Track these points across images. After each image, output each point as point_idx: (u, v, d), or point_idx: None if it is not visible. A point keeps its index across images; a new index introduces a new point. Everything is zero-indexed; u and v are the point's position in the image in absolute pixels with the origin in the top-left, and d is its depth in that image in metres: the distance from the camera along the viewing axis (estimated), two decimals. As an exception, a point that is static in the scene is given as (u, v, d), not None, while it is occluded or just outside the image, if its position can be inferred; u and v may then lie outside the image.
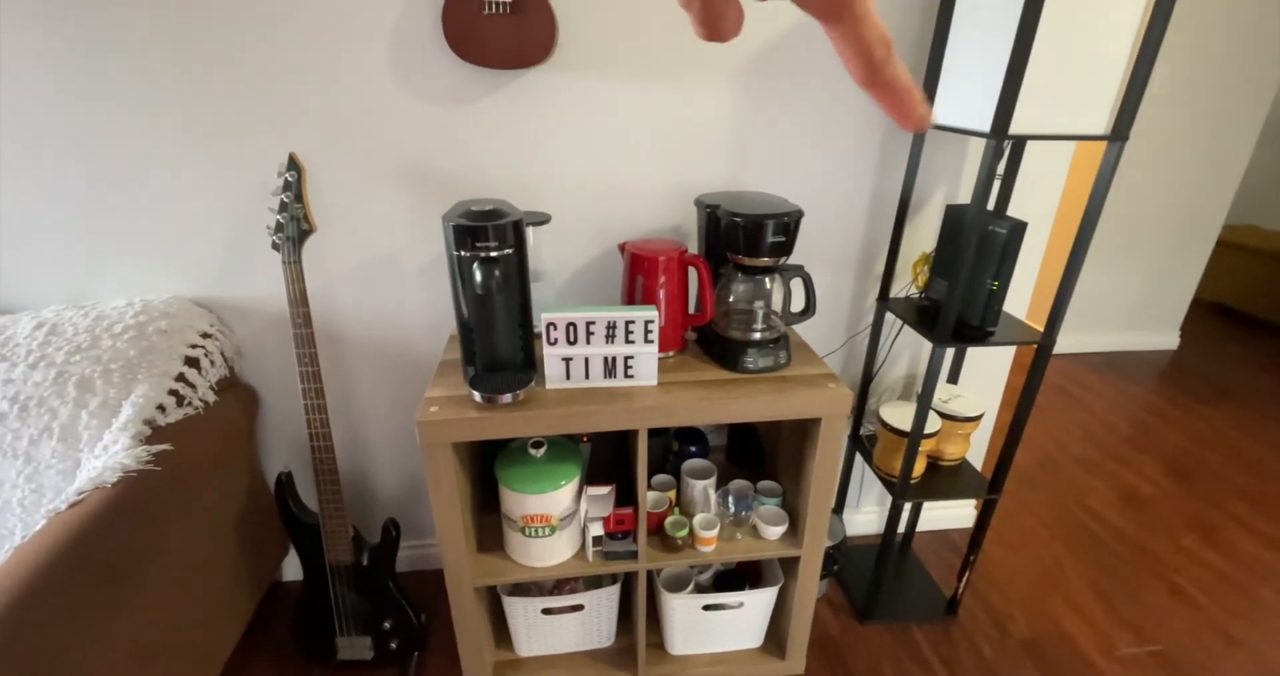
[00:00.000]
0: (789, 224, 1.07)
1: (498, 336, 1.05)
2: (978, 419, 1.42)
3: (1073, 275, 1.18)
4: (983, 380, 1.66)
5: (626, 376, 1.09)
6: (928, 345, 1.59)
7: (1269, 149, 3.60)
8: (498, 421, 1.01)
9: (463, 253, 0.97)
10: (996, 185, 1.34)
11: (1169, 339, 3.16)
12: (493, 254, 0.98)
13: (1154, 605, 1.63)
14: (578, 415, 1.03)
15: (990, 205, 1.35)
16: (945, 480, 1.44)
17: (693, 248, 1.38)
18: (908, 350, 1.59)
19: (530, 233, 1.22)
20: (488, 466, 1.35)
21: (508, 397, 1.01)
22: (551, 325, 1.04)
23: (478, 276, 0.97)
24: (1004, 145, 1.07)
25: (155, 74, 1.14)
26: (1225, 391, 2.76)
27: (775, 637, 1.40)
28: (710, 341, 1.21)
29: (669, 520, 1.22)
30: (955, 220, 1.28)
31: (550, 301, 1.33)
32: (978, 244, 1.21)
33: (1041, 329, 1.25)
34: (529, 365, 1.10)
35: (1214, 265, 3.56)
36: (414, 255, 1.34)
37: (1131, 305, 3.07)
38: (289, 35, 1.14)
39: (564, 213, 1.33)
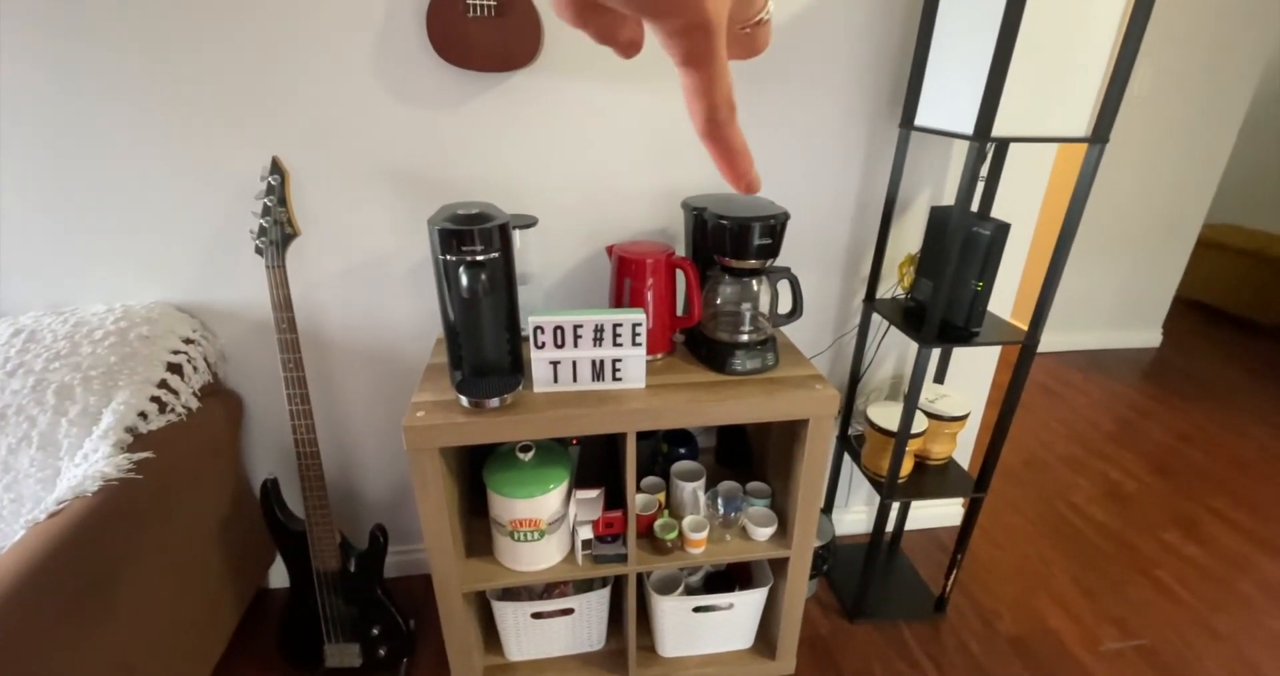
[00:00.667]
0: (775, 226, 1.08)
1: (485, 340, 1.05)
2: (964, 418, 1.43)
3: (1055, 275, 1.19)
4: (969, 379, 1.68)
5: (615, 379, 1.09)
6: (914, 345, 1.60)
7: (1247, 149, 3.66)
8: (485, 426, 1.00)
9: (448, 257, 0.97)
10: (980, 187, 1.35)
11: (1151, 337, 3.21)
12: (479, 258, 0.97)
13: (1138, 600, 1.65)
14: (566, 418, 1.02)
15: (974, 206, 1.37)
16: (932, 479, 1.45)
17: (680, 250, 1.38)
18: (895, 350, 1.60)
19: (517, 235, 1.21)
20: (476, 470, 1.34)
21: (495, 402, 1.01)
22: (539, 328, 1.03)
23: (464, 280, 0.96)
24: (987, 147, 1.08)
25: (135, 74, 1.12)
26: (1206, 388, 2.80)
27: (765, 638, 1.40)
28: (698, 343, 1.22)
29: (658, 522, 1.22)
30: (940, 222, 1.29)
31: (538, 304, 1.33)
32: (962, 245, 1.22)
33: (1025, 328, 1.26)
34: (516, 369, 1.09)
35: (1194, 264, 3.61)
36: (400, 259, 1.33)
37: (1114, 304, 3.11)
38: (273, 38, 1.13)
39: (551, 215, 1.33)
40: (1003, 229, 1.18)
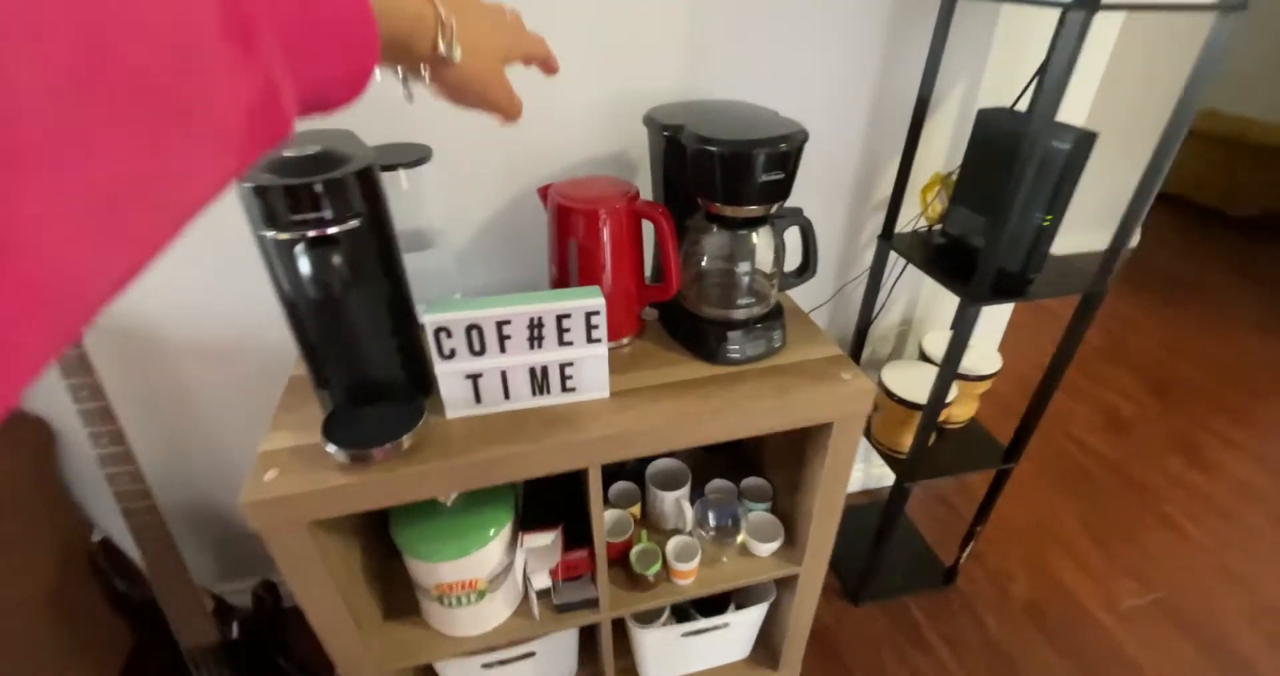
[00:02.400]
0: (788, 153, 0.72)
1: (359, 353, 0.69)
2: (992, 376, 1.19)
3: (1147, 193, 0.90)
4: (983, 324, 1.41)
5: (565, 390, 0.76)
6: (929, 284, 1.31)
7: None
8: (374, 486, 0.67)
9: (275, 234, 0.59)
10: (1030, 85, 1.01)
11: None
12: (327, 230, 0.60)
13: (1149, 544, 1.53)
14: (496, 462, 0.70)
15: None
16: (953, 447, 1.23)
17: (644, 188, 1.01)
18: (905, 293, 1.31)
19: (402, 177, 0.82)
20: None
21: (383, 451, 0.67)
22: (443, 331, 0.68)
23: (306, 269, 0.59)
24: (1089, 21, 0.73)
25: None
26: (1188, 290, 2.68)
27: (765, 645, 1.20)
28: (677, 319, 0.89)
29: (635, 549, 0.94)
30: (991, 130, 0.95)
31: (449, 273, 0.95)
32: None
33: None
34: (418, 385, 0.75)
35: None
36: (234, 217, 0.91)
37: (1093, 204, 2.88)
38: None
39: (453, 144, 0.92)
40: (1086, 140, 0.87)
